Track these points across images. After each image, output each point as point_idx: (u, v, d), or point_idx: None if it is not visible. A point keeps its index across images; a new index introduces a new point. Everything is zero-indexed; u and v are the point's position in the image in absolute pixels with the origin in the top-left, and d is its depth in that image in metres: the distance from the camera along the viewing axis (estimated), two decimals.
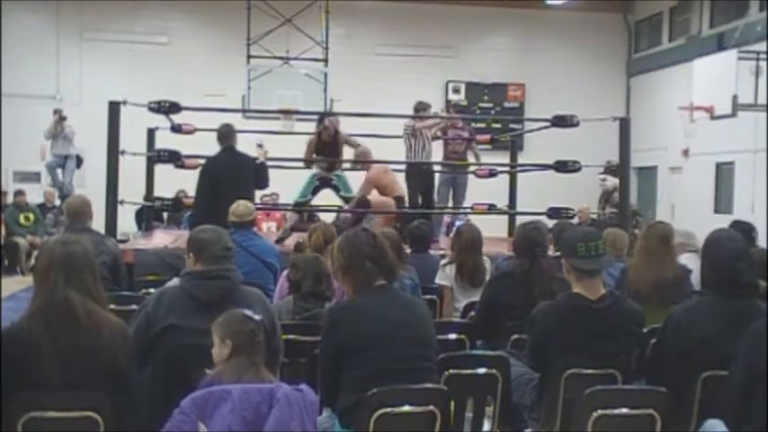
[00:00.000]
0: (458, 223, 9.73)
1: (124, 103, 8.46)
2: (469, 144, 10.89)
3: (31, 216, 13.83)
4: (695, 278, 4.39)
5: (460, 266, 5.69)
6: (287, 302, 4.70)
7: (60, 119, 13.61)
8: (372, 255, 3.51)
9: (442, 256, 6.47)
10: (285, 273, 5.24)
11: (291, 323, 4.39)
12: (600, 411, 3.32)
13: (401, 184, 9.46)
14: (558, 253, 5.15)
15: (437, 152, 11.00)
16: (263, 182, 7.70)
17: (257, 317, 3.24)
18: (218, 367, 3.15)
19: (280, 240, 8.55)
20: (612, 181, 10.89)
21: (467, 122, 11.93)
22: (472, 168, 10.60)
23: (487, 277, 5.78)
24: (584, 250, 3.81)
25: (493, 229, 11.13)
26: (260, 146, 8.14)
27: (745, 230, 6.19)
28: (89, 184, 13.23)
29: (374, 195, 9.04)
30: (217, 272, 3.70)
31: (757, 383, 3.15)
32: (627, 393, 3.55)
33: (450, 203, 10.63)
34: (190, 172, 9.27)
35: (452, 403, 3.43)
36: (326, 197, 9.78)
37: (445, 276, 5.77)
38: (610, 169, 11.18)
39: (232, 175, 7.32)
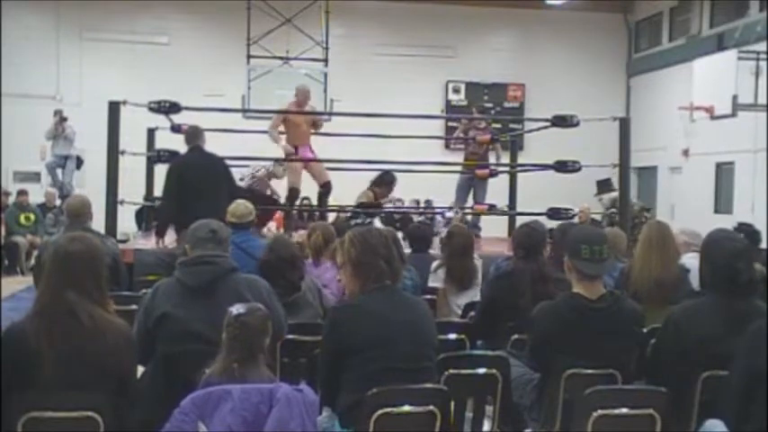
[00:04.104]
0: (448, 214, 9.73)
1: (124, 103, 8.46)
2: (493, 144, 10.88)
3: (32, 216, 13.83)
4: (694, 278, 4.38)
5: (451, 270, 5.68)
6: None
7: (61, 120, 13.61)
8: (385, 255, 3.49)
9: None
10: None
11: (293, 323, 4.39)
12: (600, 411, 3.32)
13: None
14: (553, 253, 5.17)
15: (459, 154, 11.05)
16: (234, 186, 7.60)
17: (237, 311, 3.18)
18: (214, 365, 3.16)
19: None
20: (608, 196, 10.84)
21: (489, 123, 11.92)
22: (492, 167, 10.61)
23: (479, 277, 5.79)
24: (587, 253, 3.78)
25: (493, 229, 11.15)
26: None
27: (749, 233, 6.19)
28: (89, 184, 13.23)
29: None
30: (203, 258, 3.72)
31: (757, 383, 3.16)
32: (627, 393, 3.54)
33: (470, 204, 10.60)
34: None
35: (452, 403, 3.43)
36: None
37: (437, 279, 5.77)
38: (601, 186, 11.14)
39: (200, 175, 7.24)
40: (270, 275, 4.57)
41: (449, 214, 9.82)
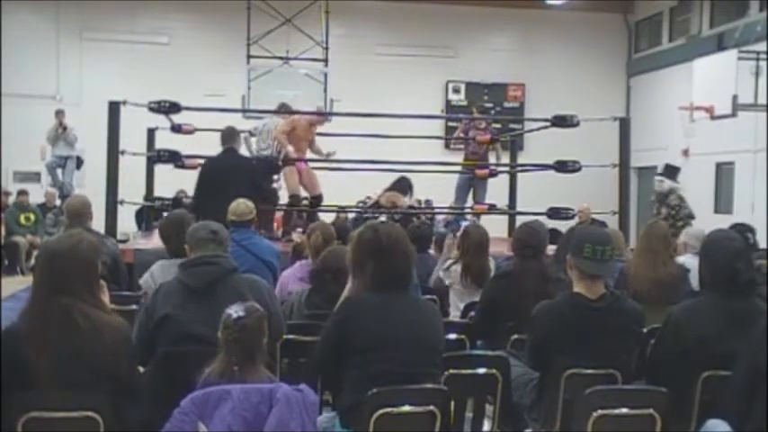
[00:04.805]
0: (464, 223, 9.75)
1: (124, 103, 8.46)
2: (494, 144, 10.89)
3: (32, 216, 13.83)
4: (694, 278, 4.39)
5: (467, 267, 5.67)
6: (303, 293, 4.73)
7: (61, 125, 13.58)
8: (379, 257, 3.45)
9: None
10: (302, 263, 5.37)
11: (293, 323, 4.39)
12: (600, 411, 3.32)
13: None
14: (557, 253, 5.17)
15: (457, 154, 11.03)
16: (262, 189, 7.64)
17: (237, 314, 3.15)
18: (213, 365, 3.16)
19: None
20: (669, 183, 10.93)
21: (489, 123, 11.92)
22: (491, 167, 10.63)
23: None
24: (590, 252, 3.76)
25: (493, 229, 11.13)
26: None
27: (742, 233, 6.20)
28: (89, 184, 13.23)
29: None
30: (204, 258, 3.72)
31: (760, 382, 3.16)
32: (627, 393, 3.54)
33: (470, 204, 10.61)
34: (190, 172, 9.26)
35: (452, 403, 3.43)
36: (327, 196, 9.77)
37: (448, 275, 5.77)
38: (668, 171, 11.22)
39: (222, 176, 7.30)
40: (314, 283, 4.62)
41: (464, 223, 9.87)
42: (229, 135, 7.72)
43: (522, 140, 14.62)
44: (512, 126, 14.96)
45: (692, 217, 10.70)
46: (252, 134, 9.71)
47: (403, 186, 10.35)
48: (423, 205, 13.97)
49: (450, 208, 11.06)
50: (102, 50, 17.62)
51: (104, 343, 3.05)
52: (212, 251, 3.77)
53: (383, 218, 8.80)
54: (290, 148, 9.09)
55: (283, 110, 9.51)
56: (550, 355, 3.79)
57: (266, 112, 11.87)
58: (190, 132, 9.78)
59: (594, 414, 3.32)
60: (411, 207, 10.48)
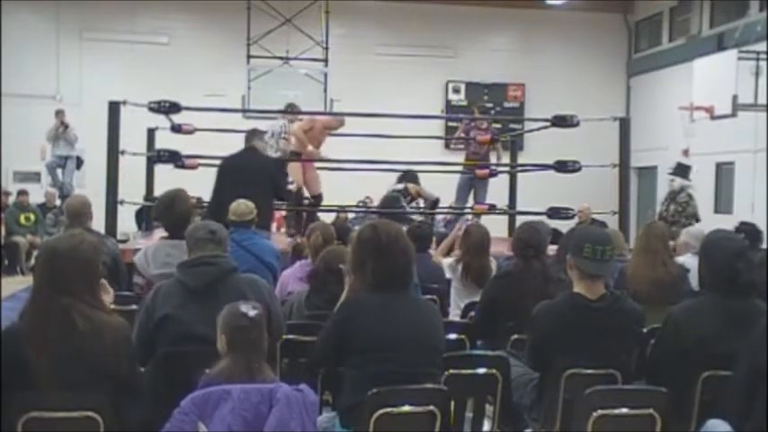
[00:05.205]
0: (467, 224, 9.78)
1: (124, 103, 8.45)
2: (495, 144, 10.90)
3: (32, 216, 13.83)
4: (694, 278, 4.39)
5: (467, 266, 5.69)
6: (303, 294, 4.73)
7: (62, 124, 13.58)
8: (378, 256, 3.44)
9: None
10: (302, 263, 5.38)
11: (293, 323, 4.39)
12: (600, 411, 3.32)
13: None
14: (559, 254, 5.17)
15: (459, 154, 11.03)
16: (280, 189, 7.68)
17: (252, 312, 3.14)
18: (216, 366, 3.15)
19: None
20: (680, 181, 10.95)
21: (490, 123, 11.92)
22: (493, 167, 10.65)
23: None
24: (590, 252, 3.75)
25: (493, 229, 11.11)
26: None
27: (750, 232, 6.21)
28: (89, 184, 13.23)
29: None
30: (203, 259, 3.71)
31: (760, 381, 3.16)
32: (627, 393, 3.54)
33: (471, 203, 10.63)
34: (190, 172, 9.27)
35: (452, 403, 3.43)
36: (327, 196, 9.77)
37: (450, 272, 5.81)
38: (679, 170, 11.22)
39: (239, 173, 7.29)
40: (314, 284, 4.59)
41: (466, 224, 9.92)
42: (252, 134, 7.74)
43: (522, 140, 14.62)
44: (512, 126, 14.96)
45: (696, 218, 10.69)
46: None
47: (411, 178, 10.40)
48: (422, 206, 13.99)
49: (450, 208, 11.07)
50: (102, 50, 17.62)
51: (104, 343, 3.05)
52: (211, 251, 3.76)
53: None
54: (310, 147, 9.15)
55: (290, 110, 9.49)
56: (550, 355, 3.79)
57: (266, 112, 11.88)
58: (190, 132, 9.77)
59: (594, 414, 3.32)
60: (436, 202, 10.54)
